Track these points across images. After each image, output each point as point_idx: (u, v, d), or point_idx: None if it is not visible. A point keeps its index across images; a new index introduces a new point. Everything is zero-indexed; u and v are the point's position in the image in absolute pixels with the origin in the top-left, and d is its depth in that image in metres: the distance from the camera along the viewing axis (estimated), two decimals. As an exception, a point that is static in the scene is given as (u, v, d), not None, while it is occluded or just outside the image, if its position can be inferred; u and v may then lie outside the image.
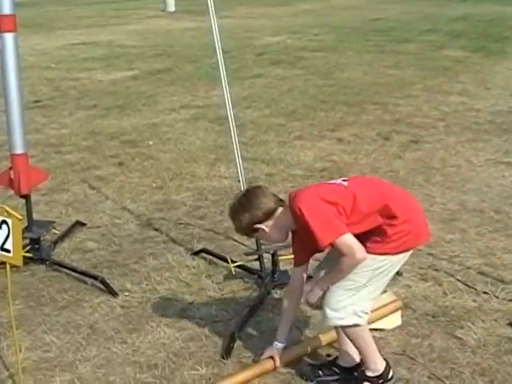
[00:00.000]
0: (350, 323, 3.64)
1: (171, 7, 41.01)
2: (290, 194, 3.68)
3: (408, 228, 3.56)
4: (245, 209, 3.70)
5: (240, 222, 3.74)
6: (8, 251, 3.83)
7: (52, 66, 17.63)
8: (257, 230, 3.74)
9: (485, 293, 5.08)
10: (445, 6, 42.27)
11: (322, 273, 3.87)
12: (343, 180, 3.71)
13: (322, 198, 3.51)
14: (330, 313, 3.65)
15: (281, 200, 3.78)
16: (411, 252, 3.71)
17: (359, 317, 3.62)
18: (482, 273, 5.40)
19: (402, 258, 3.66)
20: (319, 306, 3.77)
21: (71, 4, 54.27)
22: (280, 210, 3.72)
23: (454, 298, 5.00)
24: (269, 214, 3.70)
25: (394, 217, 3.52)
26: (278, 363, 3.96)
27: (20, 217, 3.74)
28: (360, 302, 3.62)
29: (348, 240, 3.43)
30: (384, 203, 3.53)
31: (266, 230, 3.72)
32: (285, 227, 3.75)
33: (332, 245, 3.48)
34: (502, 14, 34.31)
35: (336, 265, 3.56)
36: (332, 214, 3.47)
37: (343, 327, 3.72)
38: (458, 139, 9.49)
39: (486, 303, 4.93)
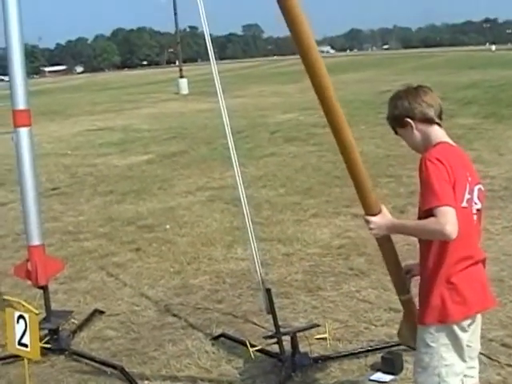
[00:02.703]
0: None
1: (185, 90, 41.77)
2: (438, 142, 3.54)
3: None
4: (408, 97, 3.58)
5: (395, 108, 3.62)
6: (25, 346, 3.85)
7: (69, 152, 17.95)
8: (405, 124, 3.60)
9: (509, 365, 4.99)
10: (453, 74, 42.80)
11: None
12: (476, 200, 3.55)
13: (450, 167, 3.38)
14: None
15: (440, 121, 3.61)
16: None
17: None
18: (504, 344, 5.32)
19: None
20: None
21: (85, 90, 55.47)
22: (435, 127, 3.58)
23: (478, 372, 4.91)
24: (424, 118, 3.56)
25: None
26: None
27: (37, 311, 3.76)
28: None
29: (449, 213, 3.26)
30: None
31: (414, 129, 3.57)
32: (425, 143, 3.59)
33: (430, 212, 3.32)
34: (510, 78, 34.61)
35: (422, 221, 3.39)
36: (449, 185, 3.34)
37: None
38: (474, 208, 9.45)
39: (510, 376, 4.84)
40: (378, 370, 4.99)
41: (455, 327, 3.49)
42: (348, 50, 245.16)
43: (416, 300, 3.73)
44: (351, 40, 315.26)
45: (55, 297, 6.61)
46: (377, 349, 5.26)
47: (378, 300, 6.24)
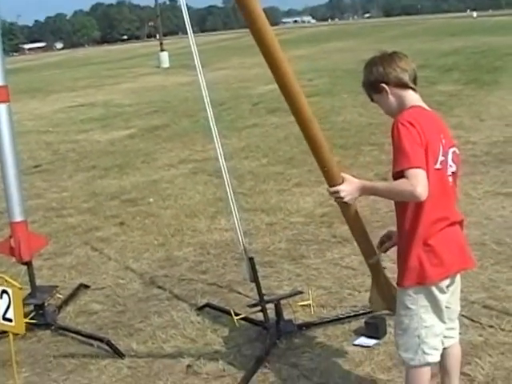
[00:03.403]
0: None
1: (165, 63, 41.55)
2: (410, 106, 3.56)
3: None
4: (383, 63, 3.63)
5: (370, 74, 3.66)
6: (10, 320, 3.86)
7: (50, 129, 17.86)
8: (380, 90, 3.63)
9: (490, 326, 5.05)
10: (435, 41, 42.81)
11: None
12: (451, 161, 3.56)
13: (422, 130, 3.40)
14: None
15: (414, 86, 3.65)
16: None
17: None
18: (486, 306, 5.38)
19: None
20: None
21: (66, 67, 55.08)
22: (409, 92, 3.61)
23: (460, 333, 4.92)
24: (398, 83, 3.60)
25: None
26: None
27: (20, 286, 3.77)
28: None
29: (420, 175, 3.31)
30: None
31: (389, 94, 3.61)
32: (400, 107, 3.61)
33: (401, 174, 3.36)
34: (492, 44, 34.71)
35: (393, 182, 3.46)
36: (421, 148, 3.37)
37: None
38: (456, 173, 9.51)
39: (492, 337, 4.90)
40: (362, 335, 5.04)
41: (433, 288, 3.53)
42: (329, 20, 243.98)
43: (394, 265, 3.76)
44: (332, 9, 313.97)
45: (40, 273, 6.63)
46: (360, 314, 5.32)
47: (361, 266, 6.28)
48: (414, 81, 3.66)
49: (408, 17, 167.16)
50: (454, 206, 3.63)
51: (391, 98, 3.63)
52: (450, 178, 3.55)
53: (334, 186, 3.65)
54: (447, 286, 3.59)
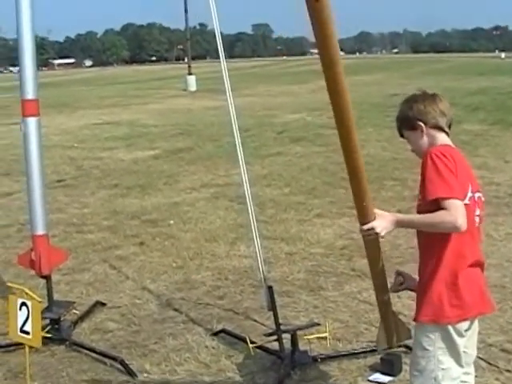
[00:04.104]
0: None
1: (193, 87, 41.80)
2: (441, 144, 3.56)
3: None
4: (424, 102, 3.62)
5: (410, 110, 3.64)
6: (27, 333, 3.87)
7: (75, 145, 18.00)
8: (416, 128, 3.62)
9: (508, 371, 5.00)
10: (463, 80, 42.78)
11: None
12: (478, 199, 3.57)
13: (455, 163, 3.39)
14: None
15: (449, 130, 3.65)
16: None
17: None
18: (504, 350, 5.33)
19: None
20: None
21: (94, 84, 55.57)
22: (442, 135, 3.60)
23: (477, 376, 4.89)
24: (435, 125, 3.60)
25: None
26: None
27: (39, 299, 3.78)
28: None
29: (460, 205, 3.29)
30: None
31: (424, 133, 3.60)
32: (429, 148, 3.55)
33: (437, 204, 3.32)
34: (519, 86, 34.53)
35: (431, 214, 3.36)
36: (456, 179, 3.34)
37: None
38: (478, 214, 9.46)
39: (509, 381, 4.85)
40: (377, 371, 5.01)
41: (452, 331, 3.48)
42: (357, 53, 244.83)
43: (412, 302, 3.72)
44: (360, 43, 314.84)
45: (58, 287, 6.63)
46: (376, 350, 5.27)
47: (379, 301, 6.24)
48: (450, 126, 3.66)
49: (436, 54, 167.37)
50: (478, 247, 3.60)
51: (424, 138, 3.62)
52: (477, 219, 3.53)
53: (367, 222, 3.56)
54: (465, 330, 3.53)
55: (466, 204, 3.38)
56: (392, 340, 4.15)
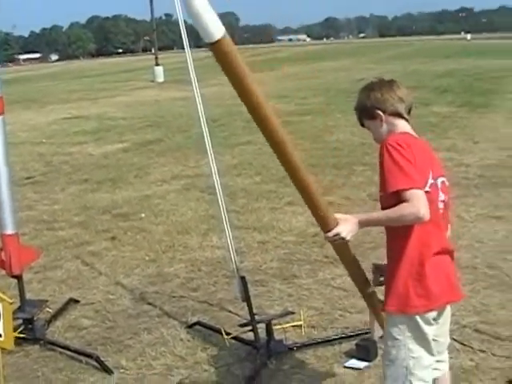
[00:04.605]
0: None
1: (160, 78, 41.57)
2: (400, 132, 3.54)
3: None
4: (382, 90, 3.58)
5: (367, 99, 3.61)
6: (-1, 335, 3.82)
7: (44, 141, 17.83)
8: (375, 116, 3.58)
9: (482, 351, 5.05)
10: (430, 63, 43.02)
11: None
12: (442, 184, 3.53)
13: (412, 151, 3.37)
14: None
15: (408, 117, 3.62)
16: None
17: None
18: (477, 330, 5.37)
19: None
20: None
21: (60, 79, 55.09)
22: (402, 121, 3.58)
23: (451, 357, 4.91)
24: (394, 112, 3.56)
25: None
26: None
27: (10, 300, 3.74)
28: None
29: (421, 195, 3.28)
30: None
31: (383, 121, 3.57)
32: (388, 136, 3.53)
33: (398, 195, 3.31)
34: (485, 67, 34.90)
35: (392, 208, 3.35)
36: (414, 168, 3.32)
37: None
38: (448, 196, 9.52)
39: (483, 362, 4.90)
40: (353, 357, 5.03)
41: (419, 320, 3.48)
42: (324, 39, 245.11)
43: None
44: (327, 28, 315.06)
45: (30, 286, 6.58)
46: (351, 336, 5.30)
47: (352, 287, 6.19)
48: (409, 111, 3.63)
49: (403, 38, 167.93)
50: (444, 235, 3.58)
51: (384, 126, 3.59)
52: (441, 205, 3.51)
53: (330, 229, 3.54)
54: (434, 319, 3.53)
55: (427, 192, 3.36)
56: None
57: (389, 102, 3.56)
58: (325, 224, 3.54)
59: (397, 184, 3.31)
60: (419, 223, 3.32)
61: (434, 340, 3.55)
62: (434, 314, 3.51)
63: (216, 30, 3.02)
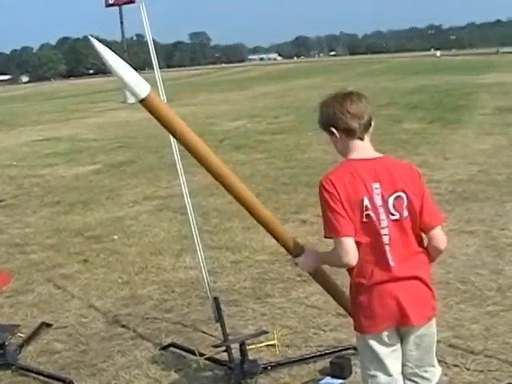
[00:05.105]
0: None
1: (131, 99, 41.34)
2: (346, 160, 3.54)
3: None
4: (334, 106, 3.50)
5: (322, 115, 3.59)
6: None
7: (14, 163, 17.70)
8: (331, 132, 3.54)
9: (455, 366, 5.07)
10: (400, 80, 43.46)
11: None
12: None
13: (342, 189, 3.40)
14: None
15: (364, 134, 3.53)
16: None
17: None
18: (451, 345, 5.39)
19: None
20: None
21: (31, 100, 54.87)
22: (354, 142, 3.50)
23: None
24: (346, 129, 3.49)
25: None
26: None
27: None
28: None
29: (344, 243, 3.37)
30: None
31: (338, 138, 3.52)
32: (344, 155, 3.57)
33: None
34: (455, 83, 35.30)
35: (328, 252, 3.58)
36: (341, 211, 3.37)
37: None
38: (420, 212, 9.57)
39: (457, 376, 4.92)
40: (327, 375, 5.02)
41: (370, 340, 3.53)
42: (295, 57, 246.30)
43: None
44: (298, 47, 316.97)
45: (1, 311, 6.54)
46: (325, 354, 5.30)
47: (326, 305, 6.27)
48: (367, 127, 3.53)
49: (373, 55, 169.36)
50: (388, 259, 3.47)
51: (340, 143, 3.55)
52: (385, 231, 3.44)
53: (296, 255, 3.78)
54: (389, 338, 3.54)
55: (364, 222, 3.40)
56: None
57: (341, 120, 3.48)
58: (288, 250, 3.92)
59: (325, 231, 3.46)
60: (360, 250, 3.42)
61: (390, 360, 3.57)
62: (385, 334, 3.53)
63: (140, 90, 3.38)
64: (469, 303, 6.24)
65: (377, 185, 3.42)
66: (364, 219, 3.39)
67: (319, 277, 4.05)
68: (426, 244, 3.65)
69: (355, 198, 3.39)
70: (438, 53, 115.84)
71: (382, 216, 3.41)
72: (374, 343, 3.53)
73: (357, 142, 3.52)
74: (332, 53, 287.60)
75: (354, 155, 3.51)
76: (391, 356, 3.58)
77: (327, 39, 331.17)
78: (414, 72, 54.41)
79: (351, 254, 3.37)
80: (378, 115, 20.28)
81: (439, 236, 3.60)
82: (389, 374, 3.57)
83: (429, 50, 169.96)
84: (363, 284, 3.48)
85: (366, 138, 3.54)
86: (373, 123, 3.58)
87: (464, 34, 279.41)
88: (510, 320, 5.85)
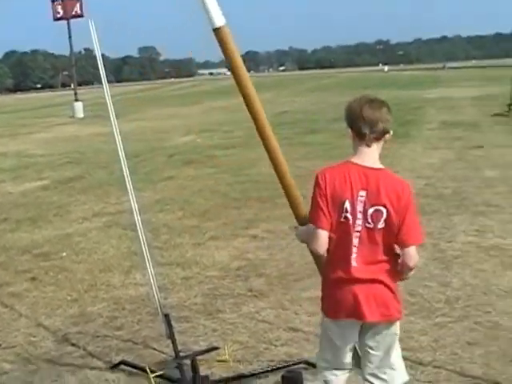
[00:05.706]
0: None
1: (80, 114, 41.23)
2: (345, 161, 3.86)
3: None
4: (357, 109, 3.80)
5: (346, 113, 3.87)
6: None
7: (-41, 181, 17.38)
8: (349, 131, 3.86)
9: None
10: (350, 95, 43.64)
11: None
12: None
13: (330, 186, 3.74)
14: None
15: (373, 142, 3.86)
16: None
17: None
18: (400, 358, 5.44)
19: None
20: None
21: (-23, 115, 53.96)
22: (360, 148, 3.84)
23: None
24: (356, 131, 3.85)
25: None
26: None
27: None
28: None
29: (318, 234, 3.76)
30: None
31: (352, 138, 3.89)
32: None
33: None
34: (403, 98, 35.76)
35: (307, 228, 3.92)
36: (324, 205, 3.74)
37: None
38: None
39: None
40: (279, 390, 5.04)
41: (329, 322, 3.97)
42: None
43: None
44: (248, 62, 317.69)
45: None
46: (277, 368, 5.31)
47: (277, 320, 6.30)
48: (378, 136, 3.83)
49: (322, 70, 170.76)
50: (351, 260, 3.79)
51: (353, 143, 3.86)
52: (357, 234, 3.75)
53: (300, 224, 4.13)
54: (343, 324, 3.89)
55: (341, 222, 3.74)
56: None
57: (355, 123, 3.78)
58: (296, 218, 4.23)
59: (308, 218, 3.90)
60: (333, 248, 3.80)
61: (340, 344, 3.95)
62: (343, 322, 3.88)
63: (218, 19, 3.78)
64: (417, 315, 6.32)
65: (363, 193, 3.71)
66: (342, 219, 3.73)
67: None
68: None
69: (339, 198, 3.70)
70: (386, 68, 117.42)
71: (359, 222, 3.71)
72: (331, 325, 3.94)
73: (363, 148, 3.81)
74: (281, 68, 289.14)
75: (355, 159, 3.80)
76: (344, 344, 3.95)
77: (277, 54, 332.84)
78: (363, 87, 54.99)
79: (320, 243, 3.77)
80: (327, 130, 20.41)
81: (411, 254, 3.81)
82: (337, 356, 3.98)
83: (377, 64, 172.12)
84: (329, 275, 3.89)
85: (375, 146, 3.84)
86: (388, 135, 3.88)
87: (411, 49, 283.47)
88: (458, 331, 5.95)
